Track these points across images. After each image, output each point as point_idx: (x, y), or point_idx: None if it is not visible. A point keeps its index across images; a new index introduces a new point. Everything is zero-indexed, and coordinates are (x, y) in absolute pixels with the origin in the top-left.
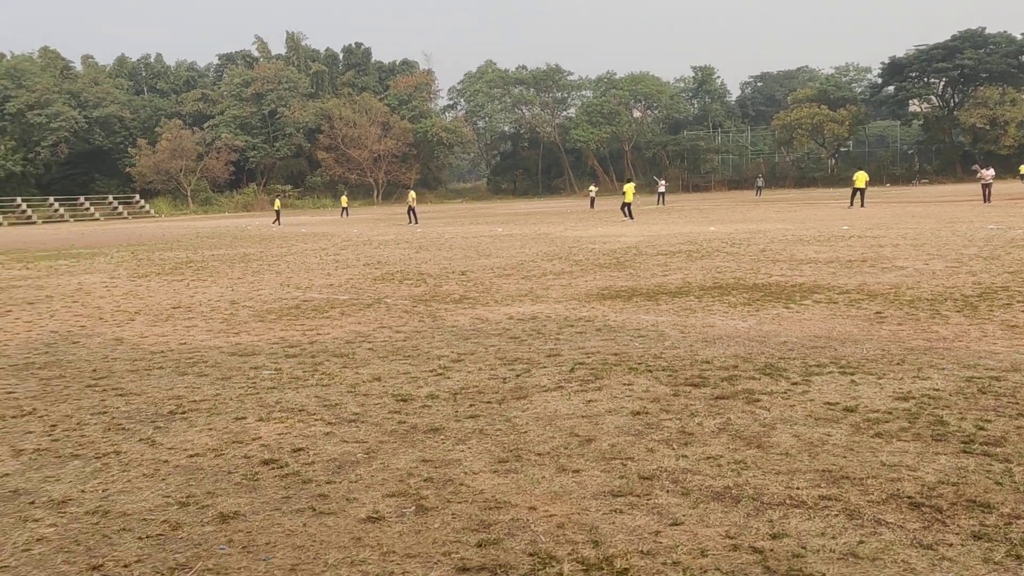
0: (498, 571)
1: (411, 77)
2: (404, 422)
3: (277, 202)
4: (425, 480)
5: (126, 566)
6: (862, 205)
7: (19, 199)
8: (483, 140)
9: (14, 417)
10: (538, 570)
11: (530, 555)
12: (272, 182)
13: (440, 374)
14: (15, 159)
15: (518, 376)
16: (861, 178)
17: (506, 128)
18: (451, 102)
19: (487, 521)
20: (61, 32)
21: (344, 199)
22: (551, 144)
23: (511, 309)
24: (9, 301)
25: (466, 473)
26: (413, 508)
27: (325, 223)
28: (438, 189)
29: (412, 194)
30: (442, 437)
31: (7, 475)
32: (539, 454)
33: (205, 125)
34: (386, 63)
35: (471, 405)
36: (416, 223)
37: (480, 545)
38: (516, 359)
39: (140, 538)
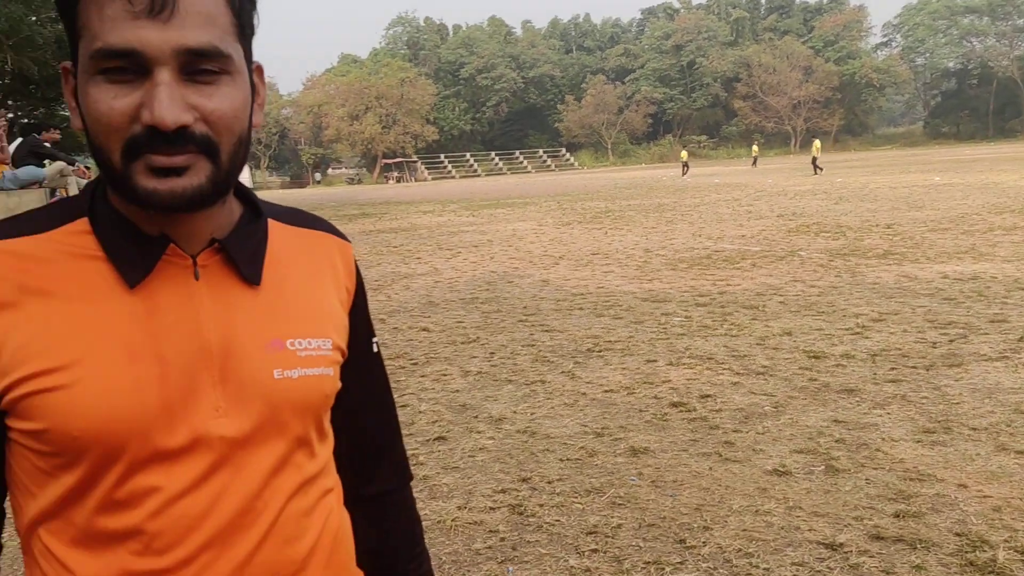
0: (918, 545)
1: (839, 15)
2: (815, 379)
3: (684, 153)
4: (836, 441)
5: (549, 482)
6: None
7: (468, 154)
8: (921, 79)
9: (463, 343)
10: (966, 551)
11: (957, 535)
12: (687, 133)
13: (857, 333)
14: (466, 119)
15: (951, 341)
16: None
17: (950, 64)
18: (884, 39)
19: (906, 492)
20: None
21: (755, 148)
22: (1006, 80)
23: (946, 267)
24: (459, 244)
25: (884, 439)
26: (823, 468)
27: (738, 173)
28: (863, 135)
29: (817, 143)
30: (857, 399)
31: (457, 391)
32: (973, 428)
33: (626, 79)
34: (811, 3)
35: (892, 368)
36: (817, 173)
37: (897, 516)
38: (950, 322)
39: (561, 460)
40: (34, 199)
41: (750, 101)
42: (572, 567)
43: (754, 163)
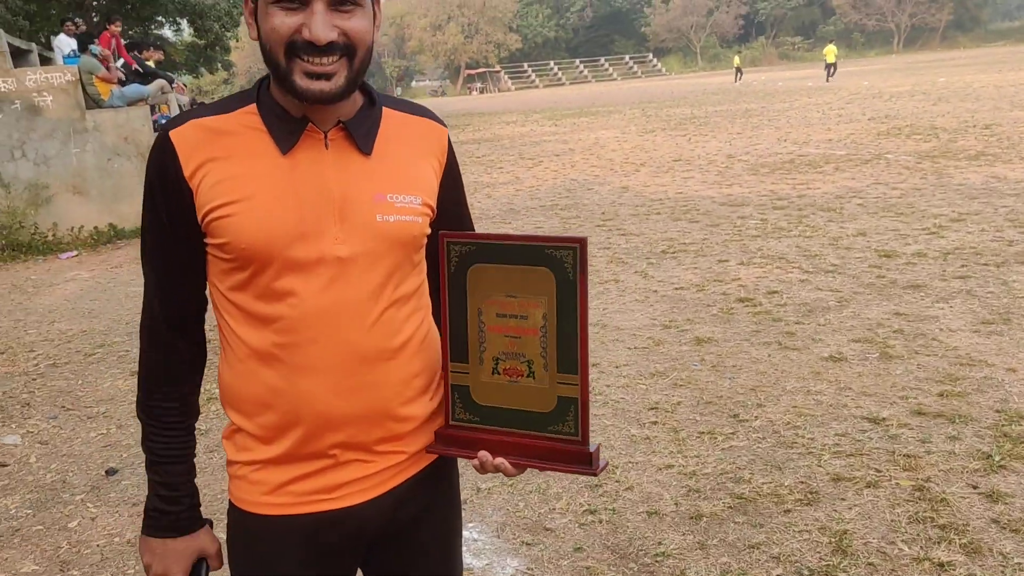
0: (956, 419)
1: None
2: (883, 276)
3: (736, 59)
4: (895, 331)
5: (616, 367)
6: None
7: (552, 63)
8: None
9: None
10: (1002, 424)
11: (997, 411)
12: (781, 34)
13: (933, 233)
14: (549, 25)
15: None
16: None
17: None
18: None
19: (954, 375)
20: None
21: (830, 50)
22: None
23: None
24: (541, 153)
25: (941, 330)
26: (877, 355)
27: (837, 75)
28: (975, 31)
29: (831, 47)
30: (922, 294)
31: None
32: None
33: None
34: None
35: (963, 266)
36: (829, 79)
37: (942, 395)
38: None
39: (629, 348)
40: (139, 115)
41: None
42: (633, 435)
43: (831, 70)
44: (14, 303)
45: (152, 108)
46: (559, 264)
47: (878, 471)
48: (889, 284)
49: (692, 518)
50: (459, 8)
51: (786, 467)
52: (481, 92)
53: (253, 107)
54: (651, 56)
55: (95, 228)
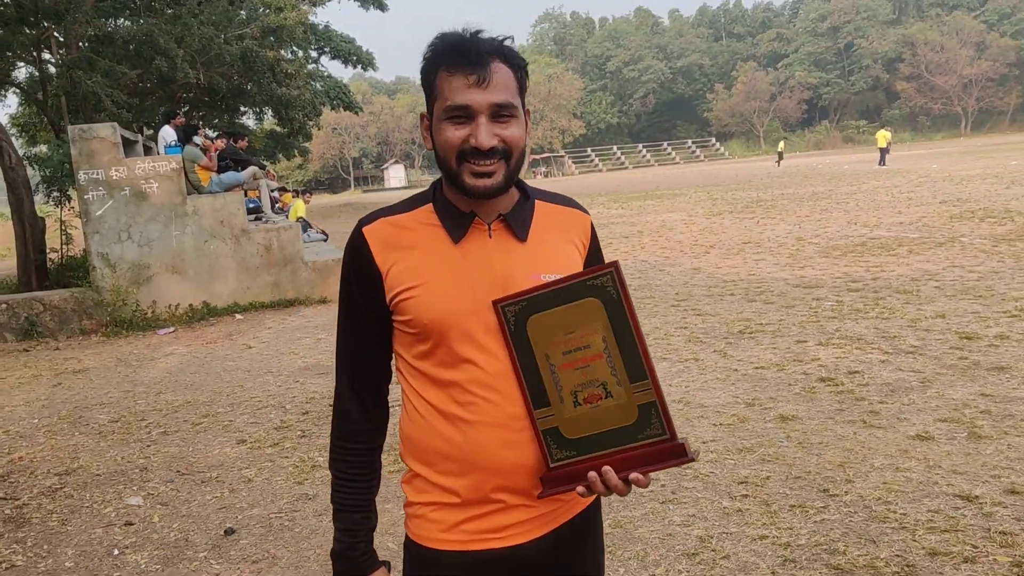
0: None
1: None
2: (966, 358)
3: (782, 144)
4: (982, 412)
5: (703, 442)
6: None
7: (615, 147)
8: None
9: None
10: None
11: None
12: (845, 118)
13: (1015, 316)
14: (612, 112)
15: None
16: None
17: None
18: None
19: None
20: None
21: (882, 135)
22: None
23: None
24: (609, 236)
25: None
26: (965, 434)
27: (899, 160)
28: None
29: (884, 132)
30: (1007, 375)
31: None
32: None
33: (779, 65)
34: None
35: None
36: (881, 163)
37: None
38: None
39: (714, 424)
40: (235, 199)
41: (914, 82)
42: (725, 507)
43: (882, 157)
44: (121, 376)
45: (245, 192)
46: (602, 290)
47: (974, 547)
48: (972, 366)
49: None
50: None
51: (880, 541)
52: (545, 176)
53: (430, 206)
54: (713, 140)
55: (190, 306)
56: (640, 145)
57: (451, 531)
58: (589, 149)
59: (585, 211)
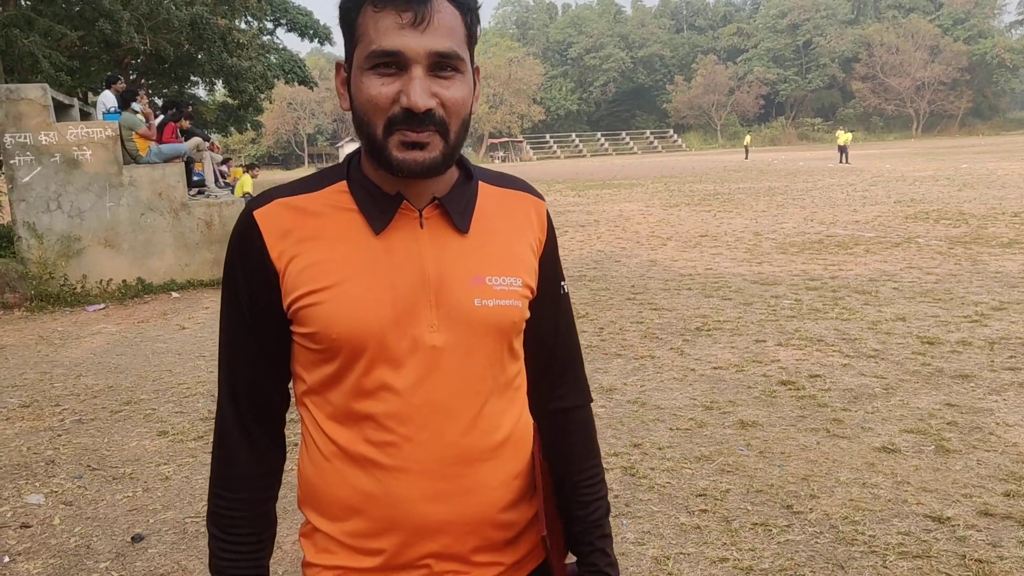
0: None
1: None
2: (928, 364)
3: (748, 138)
4: (948, 423)
5: (659, 448)
6: None
7: (573, 135)
8: None
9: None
10: None
11: None
12: (800, 115)
13: (976, 321)
14: (572, 99)
15: None
16: None
17: None
18: (1020, 16)
19: (1019, 474)
20: None
21: (841, 135)
22: None
23: None
24: (566, 223)
25: (998, 424)
26: (933, 448)
27: (856, 157)
28: (993, 119)
29: (843, 133)
30: (972, 384)
31: None
32: None
33: (738, 59)
34: None
35: (1011, 356)
36: (842, 162)
37: (1007, 495)
38: None
39: (671, 429)
40: (175, 171)
41: (869, 82)
42: (683, 524)
43: (843, 154)
44: (41, 355)
45: (187, 165)
46: None
47: None
48: (936, 372)
49: None
50: (485, 80)
51: (849, 567)
52: (503, 160)
53: (343, 184)
54: (672, 132)
55: (123, 282)
56: (599, 134)
57: None
58: (548, 135)
59: (540, 196)
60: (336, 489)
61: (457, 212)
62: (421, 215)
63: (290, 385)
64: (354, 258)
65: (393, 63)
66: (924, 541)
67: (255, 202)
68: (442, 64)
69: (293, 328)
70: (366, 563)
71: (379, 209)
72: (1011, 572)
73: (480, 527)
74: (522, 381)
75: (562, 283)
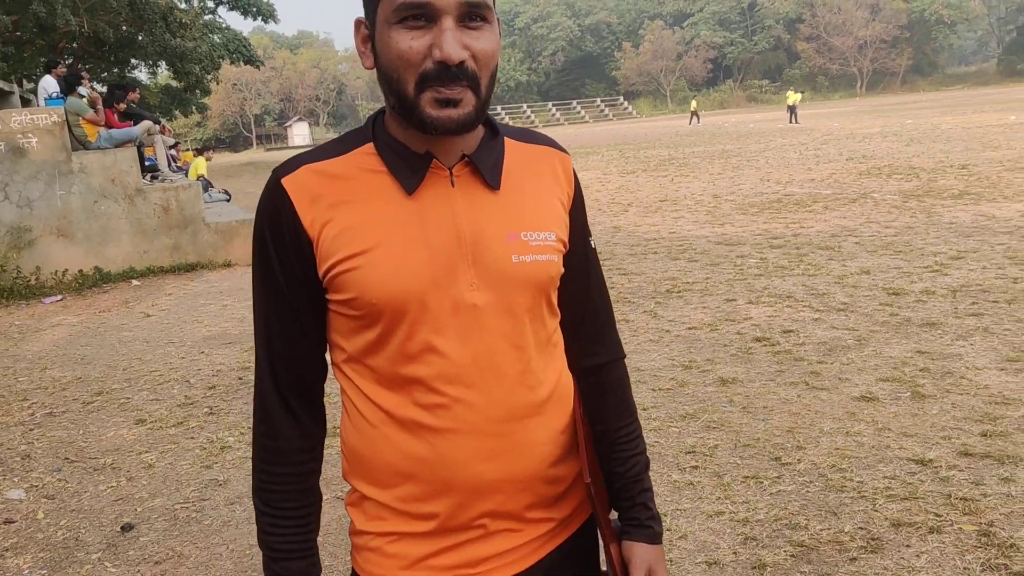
0: (1005, 460)
1: None
2: (896, 315)
3: (694, 102)
4: (921, 370)
5: (644, 409)
6: None
7: (524, 106)
8: (995, 14)
9: None
10: None
11: None
12: (748, 78)
13: (936, 271)
14: (522, 69)
15: None
16: None
17: None
18: None
19: (992, 415)
20: None
21: (791, 95)
22: None
23: None
24: None
25: (968, 368)
26: (909, 394)
27: (805, 117)
28: (933, 75)
29: (793, 93)
30: (939, 331)
31: None
32: None
33: (685, 24)
34: None
35: (973, 303)
36: (792, 122)
37: (985, 435)
38: None
39: (653, 389)
40: (127, 156)
41: (814, 43)
42: (675, 481)
43: (791, 114)
44: (0, 350)
45: (139, 148)
46: None
47: (938, 516)
48: (904, 322)
49: (755, 568)
50: None
51: (841, 512)
52: None
53: (370, 147)
54: (622, 99)
55: (80, 271)
56: (550, 104)
57: (414, 568)
58: (499, 107)
59: (565, 151)
60: (386, 455)
61: (487, 169)
62: (451, 173)
63: (326, 355)
64: (388, 220)
65: (422, 15)
66: (910, 484)
67: (282, 169)
68: (472, 14)
69: (329, 296)
70: (420, 527)
71: (410, 169)
72: (996, 508)
73: (532, 483)
74: (559, 337)
75: (589, 238)
